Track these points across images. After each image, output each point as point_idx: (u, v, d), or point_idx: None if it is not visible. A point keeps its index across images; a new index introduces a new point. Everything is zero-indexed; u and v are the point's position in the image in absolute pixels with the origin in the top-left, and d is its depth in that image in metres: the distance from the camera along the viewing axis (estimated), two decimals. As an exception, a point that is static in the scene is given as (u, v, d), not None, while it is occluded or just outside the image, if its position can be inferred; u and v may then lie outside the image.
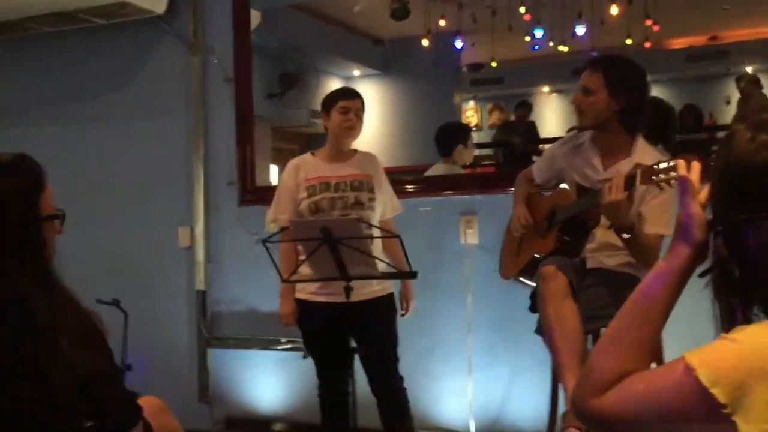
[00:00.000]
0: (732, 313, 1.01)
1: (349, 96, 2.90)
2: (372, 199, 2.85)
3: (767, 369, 0.86)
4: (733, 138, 1.00)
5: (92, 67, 4.25)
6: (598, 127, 2.58)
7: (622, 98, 2.50)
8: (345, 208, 2.81)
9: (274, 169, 6.99)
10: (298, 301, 2.88)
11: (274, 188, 4.56)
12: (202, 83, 3.98)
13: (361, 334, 2.86)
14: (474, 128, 9.60)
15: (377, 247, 2.75)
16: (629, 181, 2.24)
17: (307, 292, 2.86)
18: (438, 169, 4.21)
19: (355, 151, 2.98)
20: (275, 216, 2.94)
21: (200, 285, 3.99)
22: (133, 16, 3.92)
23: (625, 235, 2.33)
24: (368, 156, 2.98)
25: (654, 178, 2.20)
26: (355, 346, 2.87)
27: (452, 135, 4.38)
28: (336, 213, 2.80)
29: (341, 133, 2.88)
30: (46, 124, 4.31)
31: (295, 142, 8.32)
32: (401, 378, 2.91)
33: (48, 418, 1.28)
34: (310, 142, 8.43)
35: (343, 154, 2.93)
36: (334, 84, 8.34)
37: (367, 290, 2.79)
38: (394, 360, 2.91)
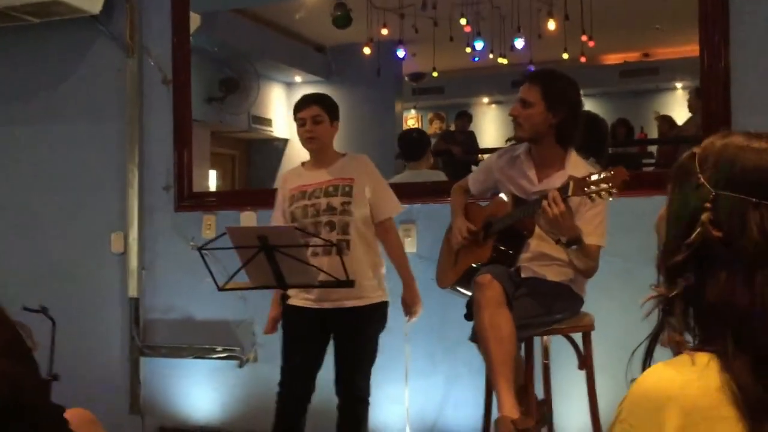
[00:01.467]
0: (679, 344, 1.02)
1: (302, 106, 2.90)
2: (347, 203, 2.81)
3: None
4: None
5: (25, 66, 4.13)
6: (533, 140, 2.64)
7: (559, 112, 2.57)
8: (316, 215, 2.81)
9: (213, 174, 6.90)
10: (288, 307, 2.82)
11: (211, 194, 4.53)
12: (138, 85, 3.90)
13: (340, 340, 2.87)
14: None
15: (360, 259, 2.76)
16: (563, 192, 2.30)
17: (299, 298, 2.84)
18: (411, 177, 4.03)
19: (344, 155, 2.96)
20: None
21: (133, 292, 3.90)
22: (67, 15, 3.82)
23: (574, 247, 2.38)
24: (355, 159, 2.94)
25: (586, 189, 2.27)
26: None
27: (423, 140, 4.35)
28: (308, 221, 2.80)
29: (303, 143, 2.92)
30: (-26, 124, 4.16)
31: (235, 148, 8.22)
32: (368, 389, 2.90)
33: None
34: (250, 148, 8.37)
35: (324, 160, 2.92)
36: (276, 90, 8.28)
37: (361, 297, 2.79)
38: (366, 369, 2.89)
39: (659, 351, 1.03)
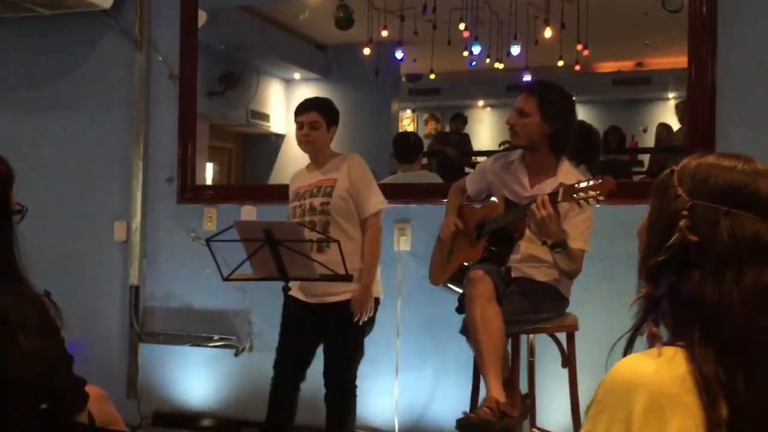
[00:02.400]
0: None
1: (302, 110, 3.04)
2: (326, 203, 2.94)
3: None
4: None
5: (35, 57, 4.23)
6: (528, 147, 2.77)
7: (553, 123, 2.71)
8: (303, 215, 2.96)
9: (210, 167, 7.00)
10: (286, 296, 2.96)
11: (213, 187, 4.64)
12: (145, 79, 4.01)
13: (326, 333, 2.99)
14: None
15: (348, 250, 2.82)
16: (553, 198, 2.44)
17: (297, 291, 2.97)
18: (403, 178, 4.14)
19: (337, 155, 3.08)
20: None
21: (134, 280, 4.01)
22: (78, 9, 3.92)
23: (558, 250, 2.52)
24: (342, 159, 3.05)
25: (575, 196, 2.40)
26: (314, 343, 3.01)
27: (416, 143, 4.50)
28: (296, 220, 2.93)
29: (300, 146, 3.06)
30: (-17, 112, 4.25)
31: (232, 141, 8.30)
32: (353, 381, 3.02)
33: (6, 401, 1.34)
34: (247, 142, 8.47)
35: (319, 162, 3.06)
36: (275, 85, 8.38)
37: (336, 293, 2.91)
38: (353, 361, 3.01)
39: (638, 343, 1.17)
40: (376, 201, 3.00)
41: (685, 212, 1.08)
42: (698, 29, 3.26)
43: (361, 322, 2.95)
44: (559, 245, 2.49)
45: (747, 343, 1.01)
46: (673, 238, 1.08)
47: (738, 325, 1.02)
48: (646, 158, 7.61)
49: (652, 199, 1.18)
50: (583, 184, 2.40)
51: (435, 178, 4.28)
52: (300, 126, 3.01)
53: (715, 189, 1.09)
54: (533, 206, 2.44)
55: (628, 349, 1.13)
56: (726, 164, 1.11)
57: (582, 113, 9.27)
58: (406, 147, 4.37)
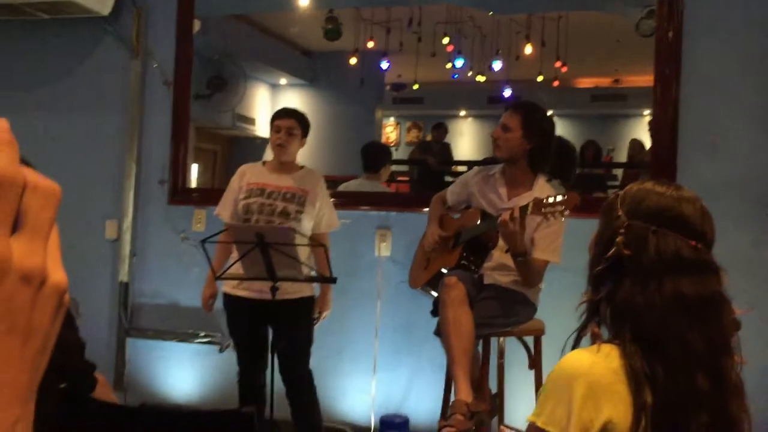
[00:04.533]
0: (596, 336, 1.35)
1: (281, 116, 3.23)
2: (299, 212, 3.13)
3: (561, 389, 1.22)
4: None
5: (33, 60, 4.36)
6: (509, 161, 2.99)
7: (534, 140, 2.93)
8: (271, 215, 3.12)
9: (194, 168, 7.15)
10: (224, 294, 3.18)
11: (203, 190, 4.81)
12: (140, 85, 4.17)
13: (279, 330, 3.15)
14: (393, 144, 10.04)
15: (303, 254, 3.03)
16: (523, 211, 2.65)
17: (230, 286, 3.16)
18: (364, 185, 4.37)
19: (302, 167, 3.28)
20: (218, 212, 3.26)
21: (123, 277, 4.16)
22: (77, 14, 4.06)
23: (519, 259, 2.73)
24: (311, 173, 3.27)
25: (543, 210, 2.61)
26: (272, 340, 3.15)
27: (383, 154, 4.67)
28: (262, 217, 3.11)
29: (273, 149, 3.23)
30: (-21, 110, 4.38)
31: (217, 143, 8.46)
32: (310, 372, 3.21)
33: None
34: (232, 145, 8.62)
35: (286, 167, 3.23)
36: (261, 90, 8.55)
37: (288, 290, 3.07)
38: (306, 355, 3.20)
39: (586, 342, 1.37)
40: (333, 221, 3.27)
41: (622, 230, 1.29)
42: (664, 52, 3.49)
43: (318, 323, 3.26)
44: (521, 254, 2.71)
45: (666, 341, 1.22)
46: (611, 251, 1.29)
47: (659, 327, 1.23)
48: (620, 173, 7.88)
49: (600, 218, 1.40)
50: (551, 199, 2.60)
51: (379, 187, 4.42)
52: (277, 129, 3.20)
53: (647, 210, 1.30)
54: (502, 216, 2.65)
55: (575, 346, 1.34)
56: (658, 190, 1.32)
57: (561, 127, 9.52)
58: (373, 157, 4.52)
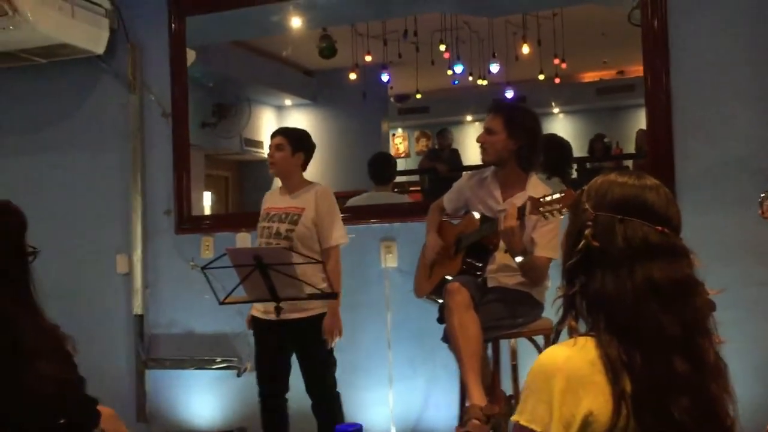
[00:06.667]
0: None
1: (272, 136, 3.29)
2: (290, 231, 3.13)
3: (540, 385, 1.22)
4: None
5: (34, 103, 4.45)
6: (498, 163, 2.99)
7: (519, 139, 2.93)
8: (269, 237, 3.17)
9: (207, 196, 7.22)
10: (252, 318, 3.27)
11: (209, 217, 4.85)
12: (139, 119, 4.23)
13: (300, 347, 3.17)
14: (403, 155, 10.07)
15: (309, 272, 2.97)
16: (520, 211, 2.64)
17: (257, 310, 3.22)
18: (374, 197, 4.34)
19: (309, 184, 3.27)
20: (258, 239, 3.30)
21: (138, 309, 4.20)
22: (73, 56, 4.13)
23: (519, 259, 2.73)
24: (313, 189, 3.22)
25: (540, 209, 2.60)
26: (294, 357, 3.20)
27: (391, 165, 4.71)
28: (262, 240, 3.18)
29: (269, 168, 3.29)
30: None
31: (227, 169, 8.54)
32: (337, 396, 3.21)
33: (28, 417, 1.55)
34: (242, 169, 8.69)
35: (290, 187, 3.27)
36: (267, 113, 8.62)
37: (299, 308, 3.08)
38: (328, 368, 3.19)
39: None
40: (338, 235, 3.17)
41: (589, 222, 1.30)
42: (650, 42, 3.48)
43: (331, 345, 3.12)
44: (520, 254, 2.70)
45: (641, 327, 1.22)
46: (580, 245, 1.29)
47: (632, 313, 1.23)
48: (630, 164, 7.82)
49: (569, 214, 1.40)
50: (548, 198, 2.60)
51: (402, 199, 4.50)
52: (270, 149, 3.27)
53: (612, 201, 1.30)
54: (500, 217, 2.65)
55: (555, 342, 1.34)
56: (621, 180, 1.33)
57: (569, 123, 9.46)
58: (381, 169, 4.55)
